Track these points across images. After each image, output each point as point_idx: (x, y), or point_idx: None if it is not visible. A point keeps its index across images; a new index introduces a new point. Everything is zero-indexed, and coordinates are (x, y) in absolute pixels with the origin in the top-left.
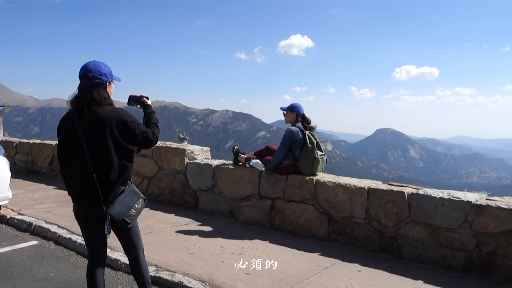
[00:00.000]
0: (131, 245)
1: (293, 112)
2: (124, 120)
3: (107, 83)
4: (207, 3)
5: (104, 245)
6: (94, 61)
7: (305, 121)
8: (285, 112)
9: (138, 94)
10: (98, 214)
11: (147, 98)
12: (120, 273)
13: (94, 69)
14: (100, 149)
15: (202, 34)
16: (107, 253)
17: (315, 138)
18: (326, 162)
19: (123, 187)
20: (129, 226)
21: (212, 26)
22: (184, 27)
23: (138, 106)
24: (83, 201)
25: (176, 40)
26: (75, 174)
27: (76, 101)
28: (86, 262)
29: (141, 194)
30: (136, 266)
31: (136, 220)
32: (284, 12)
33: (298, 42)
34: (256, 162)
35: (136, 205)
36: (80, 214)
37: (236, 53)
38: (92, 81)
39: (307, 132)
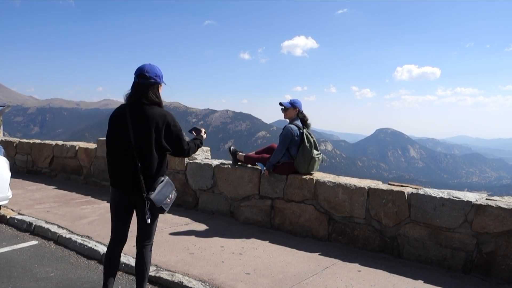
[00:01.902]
0: (147, 234)
1: (296, 109)
2: (168, 122)
3: (159, 84)
4: (216, 2)
5: (127, 229)
6: (150, 63)
7: (304, 118)
8: (286, 107)
9: (202, 129)
10: (135, 200)
11: (205, 133)
12: (120, 273)
13: (151, 70)
14: (144, 142)
15: (209, 34)
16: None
17: (312, 137)
18: (322, 161)
19: (162, 178)
20: (164, 212)
21: (219, 26)
22: (192, 27)
23: (195, 133)
24: (124, 186)
25: (183, 40)
26: (118, 161)
27: (132, 96)
28: (86, 262)
29: (174, 186)
30: (142, 256)
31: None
32: (290, 13)
33: (302, 43)
34: (260, 165)
35: (170, 195)
36: (117, 198)
37: (240, 54)
38: (148, 80)
39: (304, 130)
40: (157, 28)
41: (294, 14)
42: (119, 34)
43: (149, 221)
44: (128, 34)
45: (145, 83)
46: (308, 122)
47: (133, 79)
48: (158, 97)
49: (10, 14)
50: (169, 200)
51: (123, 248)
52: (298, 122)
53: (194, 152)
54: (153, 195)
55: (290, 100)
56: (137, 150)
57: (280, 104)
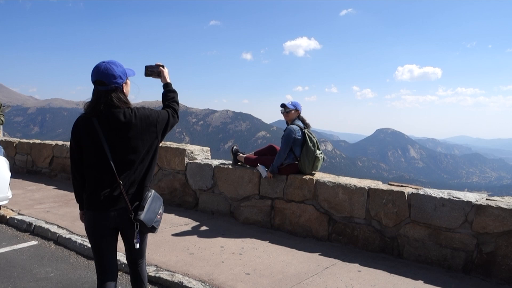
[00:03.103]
0: (140, 253)
1: (297, 111)
2: (150, 122)
3: (123, 84)
4: (222, 2)
5: (116, 259)
6: (104, 63)
7: (304, 120)
8: (289, 109)
9: (154, 64)
10: (119, 221)
11: (163, 66)
12: (120, 273)
13: (107, 74)
14: (125, 153)
15: (213, 34)
16: None
17: (314, 137)
18: (323, 160)
19: (149, 193)
20: (155, 231)
21: (223, 26)
22: (197, 27)
23: (155, 76)
24: (103, 208)
25: (188, 40)
26: (95, 180)
27: (94, 106)
28: (86, 262)
29: (161, 199)
30: (137, 276)
31: None
32: (294, 14)
33: (304, 44)
34: (262, 168)
35: (160, 210)
36: (96, 223)
37: (242, 54)
38: (108, 86)
39: (306, 130)
40: (163, 28)
41: (297, 15)
42: (123, 34)
43: (137, 246)
44: (130, 34)
45: (106, 89)
46: (307, 122)
47: (134, 79)
48: (125, 100)
49: (18, 15)
50: (159, 217)
51: (123, 248)
52: (299, 122)
53: (178, 106)
54: (142, 216)
55: (292, 102)
56: (116, 165)
57: (283, 105)
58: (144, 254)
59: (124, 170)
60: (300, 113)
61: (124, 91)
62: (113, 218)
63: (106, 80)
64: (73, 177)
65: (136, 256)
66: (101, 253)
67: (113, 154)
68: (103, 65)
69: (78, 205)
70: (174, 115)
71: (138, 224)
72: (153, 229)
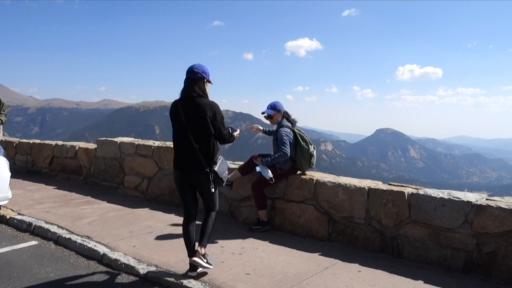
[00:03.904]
0: (212, 203)
1: (280, 111)
2: (215, 111)
3: (206, 80)
4: (226, 2)
5: (196, 205)
6: (199, 63)
7: (288, 117)
8: (270, 114)
9: (237, 130)
10: (197, 177)
11: (238, 135)
12: (120, 273)
13: (199, 68)
14: (198, 129)
15: (216, 34)
16: (107, 253)
17: (303, 134)
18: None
19: (220, 156)
20: (223, 184)
21: (225, 27)
22: (200, 27)
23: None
24: (186, 167)
25: (190, 41)
26: (180, 148)
27: (183, 90)
28: (86, 262)
29: (227, 162)
30: (208, 217)
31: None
32: (296, 14)
33: (306, 44)
34: (262, 168)
35: (227, 171)
36: (181, 179)
37: (244, 54)
38: (195, 75)
39: (296, 130)
40: (166, 28)
41: (300, 16)
42: (125, 34)
43: (213, 190)
44: (131, 34)
45: (194, 77)
46: (292, 118)
47: (135, 79)
48: (204, 90)
49: (23, 16)
50: (227, 173)
51: (123, 248)
52: (285, 122)
53: (232, 139)
54: (216, 167)
55: (270, 104)
56: (192, 134)
57: (263, 113)
58: (216, 205)
59: (197, 139)
60: (282, 112)
61: (205, 85)
62: (192, 175)
63: (196, 70)
64: (174, 150)
65: (208, 206)
66: (186, 201)
67: (189, 127)
68: (197, 63)
69: (78, 205)
70: (226, 135)
71: (212, 174)
72: (221, 181)
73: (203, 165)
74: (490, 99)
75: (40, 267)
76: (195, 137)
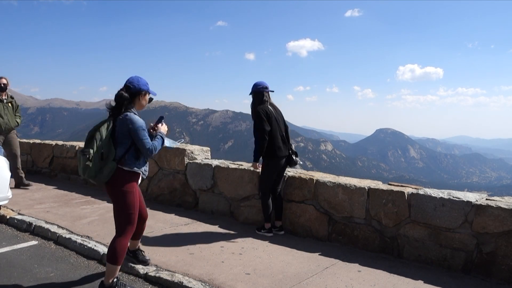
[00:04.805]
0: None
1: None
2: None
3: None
4: (230, 2)
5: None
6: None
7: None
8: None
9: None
10: (286, 161)
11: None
12: (119, 273)
13: (257, 85)
14: (283, 125)
15: (219, 35)
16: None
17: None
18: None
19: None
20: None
21: (229, 27)
22: (204, 27)
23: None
24: (283, 155)
25: (193, 41)
26: (277, 139)
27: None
28: (86, 262)
29: None
30: (279, 196)
31: None
32: (298, 15)
33: (308, 45)
34: (169, 142)
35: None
36: (279, 164)
37: (246, 54)
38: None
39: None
40: (169, 28)
41: (302, 17)
42: (127, 34)
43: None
44: (133, 34)
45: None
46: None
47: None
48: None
49: (30, 15)
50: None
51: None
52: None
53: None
54: (295, 155)
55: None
56: (283, 131)
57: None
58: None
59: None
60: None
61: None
62: (284, 160)
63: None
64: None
65: (278, 183)
66: (271, 180)
67: (279, 125)
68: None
69: (78, 205)
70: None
71: (297, 160)
72: (297, 163)
73: (289, 153)
74: (490, 99)
75: (40, 267)
76: (283, 132)
